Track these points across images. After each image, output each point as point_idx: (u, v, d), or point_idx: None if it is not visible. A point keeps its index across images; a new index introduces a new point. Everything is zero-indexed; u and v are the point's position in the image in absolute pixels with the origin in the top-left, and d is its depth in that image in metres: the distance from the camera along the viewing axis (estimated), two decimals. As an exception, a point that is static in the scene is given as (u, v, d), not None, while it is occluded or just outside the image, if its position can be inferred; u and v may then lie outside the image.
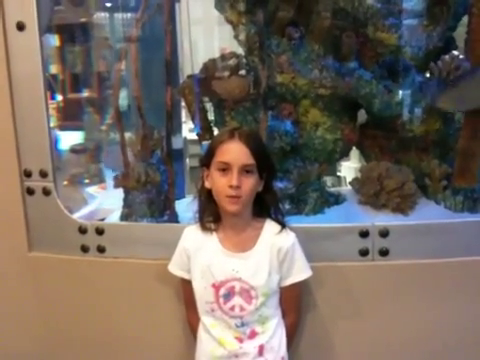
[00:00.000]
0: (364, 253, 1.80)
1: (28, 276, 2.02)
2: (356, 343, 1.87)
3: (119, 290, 1.94)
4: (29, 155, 1.94)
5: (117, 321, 1.97)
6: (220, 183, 1.55)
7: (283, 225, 1.64)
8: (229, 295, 1.59)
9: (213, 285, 1.59)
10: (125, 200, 2.05)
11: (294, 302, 1.73)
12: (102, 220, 2.10)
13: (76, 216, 2.01)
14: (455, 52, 2.06)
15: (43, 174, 1.93)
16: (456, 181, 2.00)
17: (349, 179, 2.19)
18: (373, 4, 1.99)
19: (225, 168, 1.54)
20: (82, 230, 1.93)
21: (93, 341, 2.00)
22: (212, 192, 1.60)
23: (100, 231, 1.92)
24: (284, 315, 1.69)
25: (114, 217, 2.09)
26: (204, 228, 1.65)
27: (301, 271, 1.65)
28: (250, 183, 1.55)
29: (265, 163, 1.59)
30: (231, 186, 1.52)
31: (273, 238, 1.62)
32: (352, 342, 1.87)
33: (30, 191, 1.96)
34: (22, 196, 1.96)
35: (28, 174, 1.94)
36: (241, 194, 1.53)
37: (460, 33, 2.08)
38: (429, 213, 1.96)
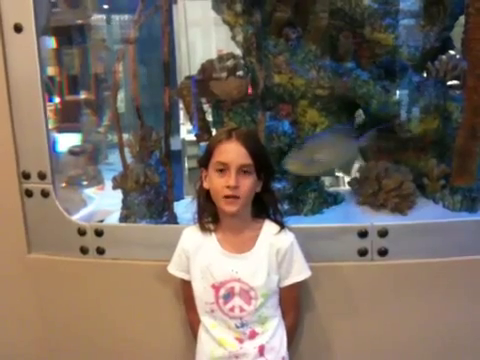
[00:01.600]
0: (363, 253, 1.81)
1: (27, 278, 2.02)
2: (355, 342, 1.87)
3: (118, 291, 1.94)
4: (27, 157, 1.93)
5: (116, 322, 1.97)
6: (218, 183, 1.54)
7: (282, 225, 1.64)
8: (229, 296, 1.59)
9: (213, 286, 1.59)
10: (124, 201, 2.06)
11: (293, 302, 1.72)
12: (101, 221, 2.09)
13: (75, 218, 2.01)
14: (452, 52, 2.07)
15: (41, 176, 1.93)
16: (454, 180, 1.99)
17: (347, 179, 2.19)
18: (370, 4, 1.99)
19: (223, 168, 1.53)
20: (81, 232, 1.93)
21: (92, 342, 2.00)
22: (210, 193, 1.60)
23: (99, 233, 1.92)
24: (284, 315, 1.69)
25: (113, 218, 2.09)
26: (203, 229, 1.65)
27: (300, 272, 1.65)
28: (248, 183, 1.54)
29: (263, 163, 1.58)
30: (229, 186, 1.51)
31: (272, 239, 1.62)
32: (351, 341, 1.87)
33: (29, 193, 1.95)
34: (21, 198, 1.96)
35: (26, 176, 1.94)
36: (239, 194, 1.53)
37: (457, 33, 2.09)
38: (428, 213, 1.96)
